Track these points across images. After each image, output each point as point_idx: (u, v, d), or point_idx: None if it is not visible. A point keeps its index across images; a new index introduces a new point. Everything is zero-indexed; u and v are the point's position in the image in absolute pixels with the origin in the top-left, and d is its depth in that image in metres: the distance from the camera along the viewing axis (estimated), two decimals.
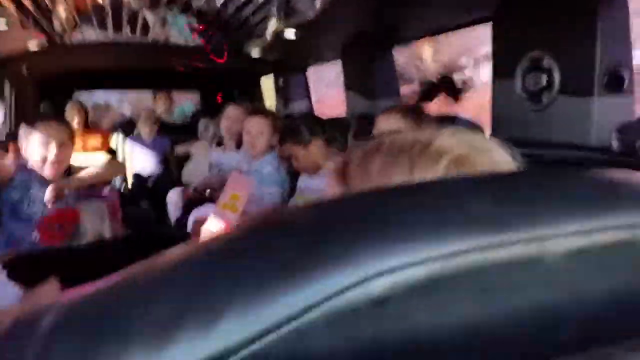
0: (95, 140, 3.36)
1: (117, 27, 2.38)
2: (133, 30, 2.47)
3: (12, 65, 2.76)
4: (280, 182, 2.09)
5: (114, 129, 3.72)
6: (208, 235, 1.88)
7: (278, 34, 2.43)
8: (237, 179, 1.91)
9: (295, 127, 1.94)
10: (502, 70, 1.44)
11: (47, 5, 1.81)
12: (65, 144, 1.69)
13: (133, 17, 2.18)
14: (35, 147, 1.64)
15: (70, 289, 1.24)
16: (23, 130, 1.68)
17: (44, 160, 1.64)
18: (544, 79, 1.28)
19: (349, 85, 2.41)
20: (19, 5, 1.76)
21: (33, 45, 2.44)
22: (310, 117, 2.52)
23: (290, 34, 2.33)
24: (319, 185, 1.89)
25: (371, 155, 0.48)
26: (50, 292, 1.18)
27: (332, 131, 1.94)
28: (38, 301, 1.10)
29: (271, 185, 2.05)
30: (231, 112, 2.58)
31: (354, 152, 0.51)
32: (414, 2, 1.69)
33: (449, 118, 1.90)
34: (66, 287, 1.23)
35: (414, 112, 1.54)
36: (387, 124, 1.52)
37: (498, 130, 1.47)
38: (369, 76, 2.26)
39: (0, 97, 2.75)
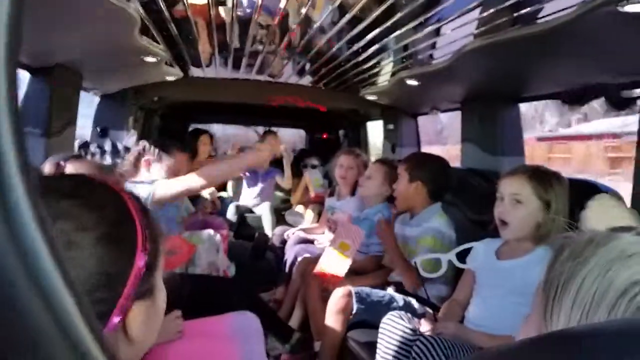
0: None
1: (237, 64, 2.49)
2: (250, 68, 2.57)
3: (146, 95, 3.01)
4: None
5: None
6: (323, 267, 1.87)
7: (394, 80, 2.41)
8: (349, 229, 1.88)
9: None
10: None
11: (192, 41, 1.94)
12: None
13: (253, 56, 2.27)
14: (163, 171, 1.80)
15: (189, 321, 1.25)
16: (154, 151, 1.86)
17: None
18: None
19: (467, 138, 2.30)
20: (169, 42, 1.91)
21: (170, 77, 2.65)
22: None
23: (408, 81, 2.30)
24: (411, 233, 1.84)
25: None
26: (172, 324, 1.20)
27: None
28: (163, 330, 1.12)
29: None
30: (343, 160, 2.53)
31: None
32: (544, 59, 1.58)
33: (588, 185, 1.66)
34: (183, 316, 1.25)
35: (542, 175, 1.39)
36: (512, 185, 1.38)
37: None
38: (492, 130, 2.14)
39: (135, 122, 3.00)
